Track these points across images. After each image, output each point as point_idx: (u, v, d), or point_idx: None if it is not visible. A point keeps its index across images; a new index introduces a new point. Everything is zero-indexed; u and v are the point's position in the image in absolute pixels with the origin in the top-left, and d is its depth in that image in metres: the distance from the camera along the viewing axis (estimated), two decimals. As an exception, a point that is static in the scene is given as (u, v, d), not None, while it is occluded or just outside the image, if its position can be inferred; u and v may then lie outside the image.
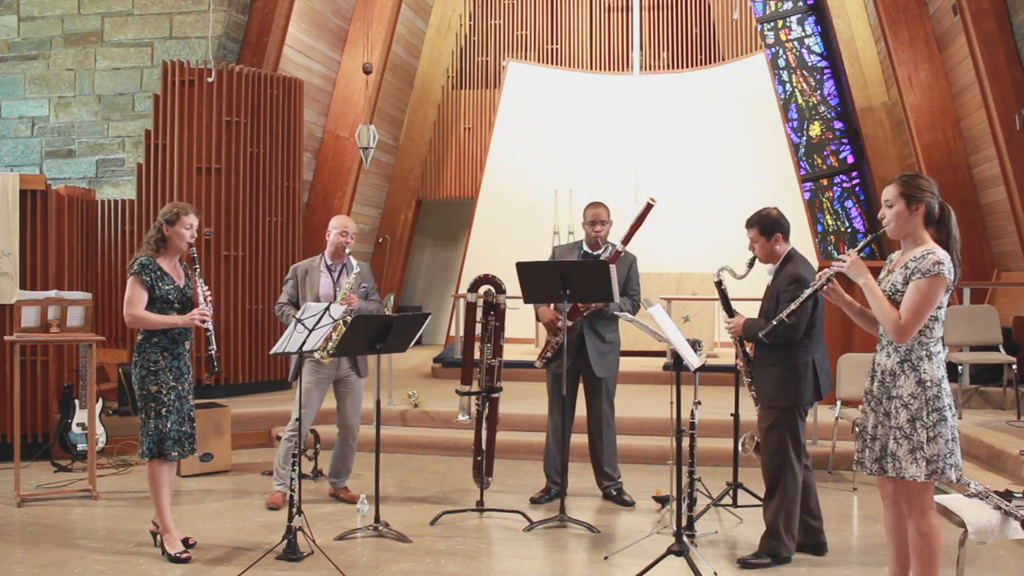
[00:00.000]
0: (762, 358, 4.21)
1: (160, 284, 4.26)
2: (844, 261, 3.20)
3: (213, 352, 4.32)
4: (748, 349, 4.39)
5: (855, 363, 5.68)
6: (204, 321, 4.29)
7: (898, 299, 3.13)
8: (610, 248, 5.19)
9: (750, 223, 4.31)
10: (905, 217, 3.17)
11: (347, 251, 5.20)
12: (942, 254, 3.09)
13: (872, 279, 3.18)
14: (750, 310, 4.47)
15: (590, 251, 5.23)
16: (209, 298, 4.35)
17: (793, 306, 3.59)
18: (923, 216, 3.16)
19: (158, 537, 4.37)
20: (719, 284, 4.44)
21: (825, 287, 3.31)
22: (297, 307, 5.07)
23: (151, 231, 4.39)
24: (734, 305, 4.49)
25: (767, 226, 4.26)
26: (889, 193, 3.20)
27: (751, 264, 4.34)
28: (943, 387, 3.11)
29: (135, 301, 4.23)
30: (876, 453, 3.19)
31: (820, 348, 4.19)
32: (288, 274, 5.27)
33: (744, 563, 4.15)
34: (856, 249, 3.25)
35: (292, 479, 4.30)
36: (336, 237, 5.19)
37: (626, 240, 5.18)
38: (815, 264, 4.43)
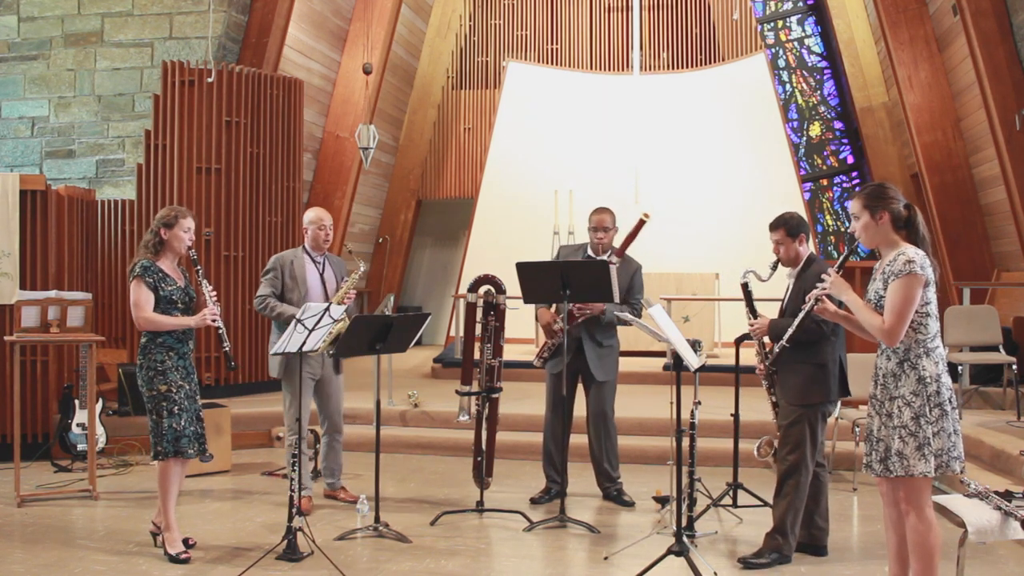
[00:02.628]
0: (789, 358, 4.20)
1: (163, 286, 4.27)
2: (826, 282, 3.32)
3: (227, 348, 4.36)
4: (769, 351, 4.39)
5: (855, 363, 5.64)
6: (215, 320, 4.30)
7: (883, 305, 3.19)
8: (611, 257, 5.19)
9: (776, 225, 4.35)
10: (872, 227, 3.25)
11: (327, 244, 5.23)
12: (912, 252, 3.15)
13: (853, 294, 3.29)
14: (762, 310, 4.49)
15: (594, 256, 5.22)
16: (215, 297, 4.37)
17: (790, 332, 3.86)
18: (890, 222, 3.23)
19: (158, 537, 4.38)
20: (745, 286, 4.47)
21: (816, 307, 3.43)
22: (281, 299, 5.05)
23: (148, 235, 4.38)
24: (736, 306, 4.50)
25: (793, 227, 4.30)
26: (854, 207, 3.32)
27: (774, 267, 4.39)
28: (942, 382, 3.15)
29: (143, 304, 4.22)
30: (881, 454, 3.21)
31: (843, 346, 4.25)
32: (268, 265, 5.18)
33: (746, 563, 4.15)
34: (835, 268, 3.37)
35: (293, 479, 4.30)
36: (315, 231, 5.18)
37: (619, 253, 5.18)
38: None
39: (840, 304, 3.44)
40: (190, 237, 4.37)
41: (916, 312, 3.13)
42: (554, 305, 5.23)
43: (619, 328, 5.38)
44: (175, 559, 4.19)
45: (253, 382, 7.94)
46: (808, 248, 4.35)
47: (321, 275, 5.17)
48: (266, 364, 8.04)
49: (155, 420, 4.27)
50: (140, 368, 4.29)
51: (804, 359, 4.15)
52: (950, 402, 3.14)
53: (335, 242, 9.99)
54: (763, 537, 4.27)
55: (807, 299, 3.50)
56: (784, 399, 4.25)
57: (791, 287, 4.33)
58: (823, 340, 4.12)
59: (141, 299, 4.22)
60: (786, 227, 4.31)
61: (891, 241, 3.24)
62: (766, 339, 4.34)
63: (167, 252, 4.36)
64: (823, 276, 3.34)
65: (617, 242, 5.29)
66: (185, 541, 4.38)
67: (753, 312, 4.45)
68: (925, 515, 3.15)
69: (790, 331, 3.82)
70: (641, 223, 5.16)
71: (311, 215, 5.24)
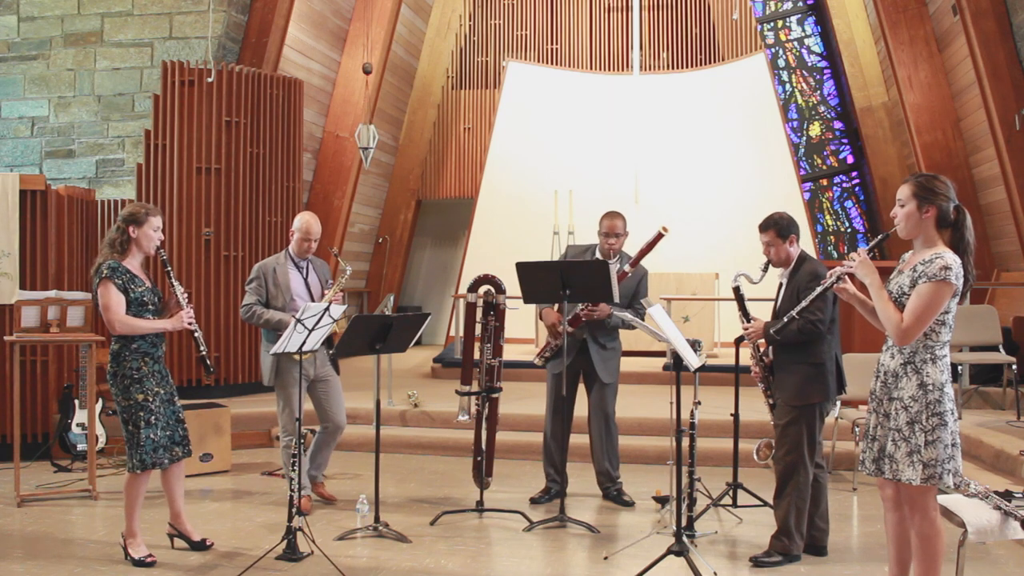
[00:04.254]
0: (785, 358, 4.19)
1: (132, 287, 4.11)
2: (853, 261, 3.20)
3: (203, 352, 4.24)
4: (764, 352, 4.38)
5: (855, 363, 5.66)
6: (191, 323, 4.20)
7: (904, 301, 3.09)
8: (620, 266, 5.18)
9: (766, 226, 4.30)
10: (915, 219, 3.13)
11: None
12: (951, 259, 3.04)
13: (879, 279, 3.15)
14: (754, 310, 4.48)
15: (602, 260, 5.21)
16: (187, 299, 4.24)
17: (804, 303, 3.69)
18: (935, 219, 3.11)
19: (175, 540, 4.38)
20: (737, 290, 4.45)
21: (836, 285, 3.33)
22: (267, 306, 5.01)
23: (112, 232, 4.19)
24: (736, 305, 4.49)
25: (783, 228, 4.26)
26: (902, 192, 3.17)
27: (766, 268, 4.36)
28: (945, 391, 3.07)
29: (115, 307, 4.04)
30: (874, 454, 3.18)
31: (839, 345, 4.22)
32: (252, 273, 5.09)
33: (757, 562, 4.14)
34: (866, 249, 3.27)
35: (292, 479, 4.30)
36: (300, 241, 5.08)
37: (634, 264, 5.15)
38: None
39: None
40: (159, 236, 4.21)
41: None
42: (555, 305, 5.23)
43: (621, 331, 5.38)
44: (141, 563, 4.12)
45: (253, 382, 7.94)
46: (799, 248, 4.30)
47: (305, 280, 5.12)
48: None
49: (131, 431, 4.12)
50: (114, 376, 4.12)
51: (801, 359, 4.13)
52: (951, 413, 3.06)
53: (336, 242, 10.00)
54: (763, 537, 4.27)
55: (828, 275, 3.40)
56: (782, 399, 4.24)
57: (784, 287, 4.31)
58: (819, 339, 4.10)
59: (112, 302, 4.04)
60: (776, 228, 4.27)
61: (930, 238, 3.13)
62: (760, 341, 4.32)
63: (134, 251, 4.17)
64: (852, 255, 3.21)
65: (629, 249, 5.26)
66: (203, 542, 4.36)
67: (746, 315, 4.43)
68: (930, 518, 3.11)
69: (804, 303, 3.67)
70: (660, 236, 5.08)
71: (300, 223, 5.10)
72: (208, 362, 4.25)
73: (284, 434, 5.01)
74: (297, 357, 4.56)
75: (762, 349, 4.38)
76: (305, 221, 5.12)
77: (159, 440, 4.15)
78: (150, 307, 4.17)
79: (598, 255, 5.24)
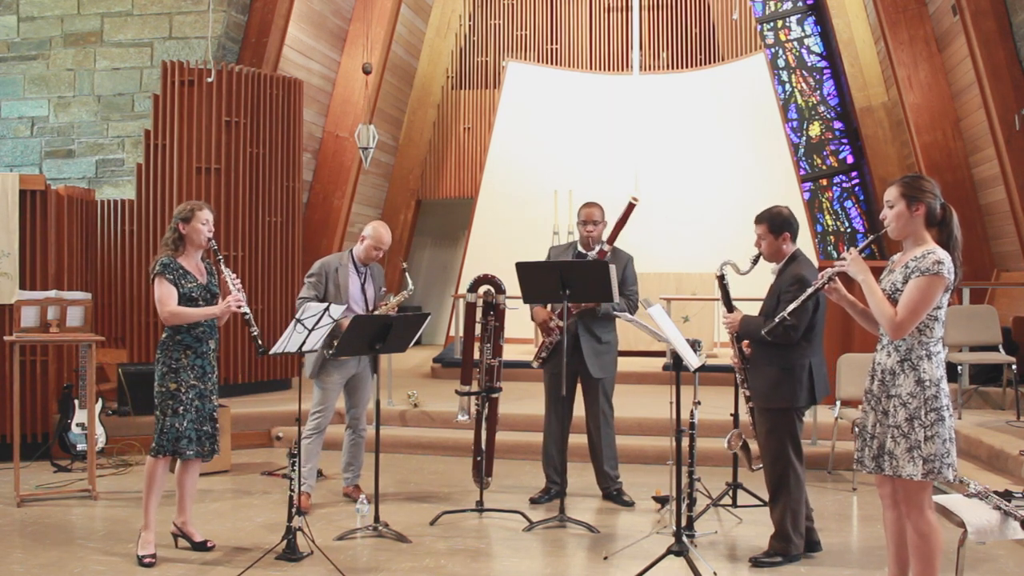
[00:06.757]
0: (758, 357, 4.21)
1: (183, 283, 4.26)
2: (845, 260, 3.23)
3: (255, 333, 4.31)
4: (743, 347, 4.39)
5: (855, 363, 5.68)
6: (240, 306, 4.27)
7: (898, 298, 3.14)
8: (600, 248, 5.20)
9: (760, 219, 4.27)
10: (906, 218, 3.18)
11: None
12: (943, 254, 3.11)
13: (871, 277, 3.20)
14: (750, 310, 4.47)
15: (584, 251, 5.22)
16: (239, 285, 4.34)
17: (795, 304, 3.61)
18: (924, 217, 3.17)
19: (179, 539, 4.39)
20: (721, 278, 4.42)
21: (827, 286, 3.34)
22: (322, 302, 5.06)
23: (168, 232, 4.39)
24: (735, 304, 4.48)
25: (776, 224, 4.22)
26: (890, 194, 3.23)
27: (755, 261, 4.32)
28: (942, 387, 3.12)
29: (167, 299, 4.20)
30: (874, 451, 3.20)
31: (818, 352, 4.17)
32: (313, 269, 5.20)
33: (757, 562, 4.15)
34: (858, 249, 3.29)
35: (292, 479, 4.30)
36: (369, 249, 5.17)
37: (611, 239, 5.17)
38: (817, 266, 4.41)
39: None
40: (209, 229, 4.35)
41: (927, 314, 3.10)
42: (550, 304, 5.23)
43: (619, 327, 5.38)
44: (140, 561, 4.15)
45: (253, 382, 7.94)
46: (792, 247, 4.24)
47: (363, 285, 5.22)
48: (265, 364, 8.08)
49: (159, 417, 4.26)
50: (157, 363, 4.29)
51: (772, 361, 4.11)
52: (947, 409, 3.10)
53: (336, 243, 10.00)
54: (763, 537, 4.28)
55: (820, 276, 3.41)
56: (751, 398, 4.25)
57: (772, 285, 4.30)
58: (794, 345, 4.06)
59: (164, 294, 4.20)
60: (769, 223, 4.23)
61: (920, 236, 3.18)
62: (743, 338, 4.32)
63: (188, 247, 4.34)
64: (843, 255, 3.25)
65: (607, 233, 5.28)
66: (204, 543, 4.38)
67: (728, 305, 4.41)
68: (926, 517, 3.14)
69: (794, 304, 3.67)
70: (631, 207, 5.13)
71: (372, 231, 5.17)
72: (259, 341, 4.32)
73: (308, 429, 5.13)
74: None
75: (745, 345, 4.38)
76: (377, 230, 5.20)
77: (184, 431, 4.24)
78: (200, 303, 4.31)
79: (579, 248, 5.25)
